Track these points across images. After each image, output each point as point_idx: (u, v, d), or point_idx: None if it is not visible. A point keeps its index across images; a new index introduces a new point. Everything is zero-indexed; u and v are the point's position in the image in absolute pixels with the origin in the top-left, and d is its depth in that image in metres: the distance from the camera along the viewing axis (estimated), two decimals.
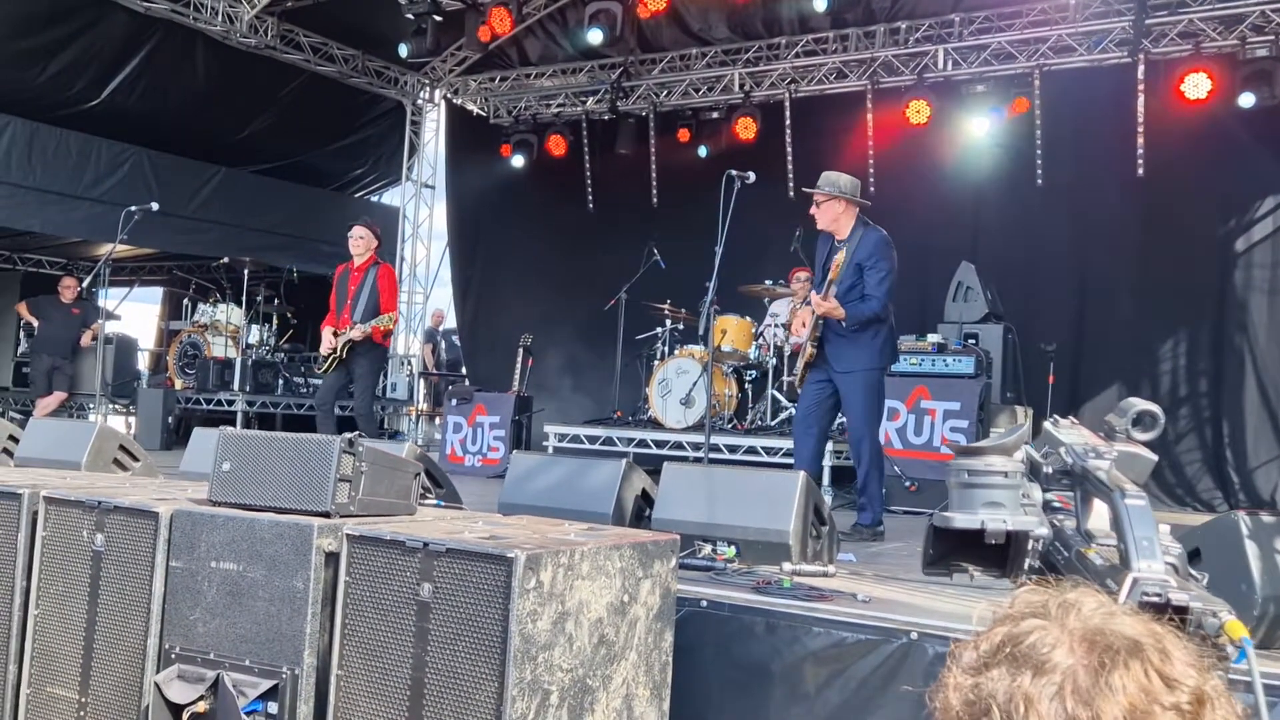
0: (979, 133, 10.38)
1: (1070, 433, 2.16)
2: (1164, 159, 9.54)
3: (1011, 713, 1.02)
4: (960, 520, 2.18)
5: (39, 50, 10.24)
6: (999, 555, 2.19)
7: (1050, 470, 2.22)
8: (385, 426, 13.58)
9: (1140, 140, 9.63)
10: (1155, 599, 1.59)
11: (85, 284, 11.07)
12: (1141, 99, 9.63)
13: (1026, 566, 2.09)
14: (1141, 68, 9.62)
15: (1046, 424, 2.24)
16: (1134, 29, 9.51)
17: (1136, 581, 1.63)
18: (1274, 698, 2.81)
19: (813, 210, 6.29)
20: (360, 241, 8.18)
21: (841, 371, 5.97)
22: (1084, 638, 1.04)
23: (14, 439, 5.27)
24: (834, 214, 6.19)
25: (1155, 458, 2.08)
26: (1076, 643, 1.04)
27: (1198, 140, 9.36)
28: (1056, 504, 2.19)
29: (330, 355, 8.02)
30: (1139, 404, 2.11)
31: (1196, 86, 9.12)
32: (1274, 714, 2.82)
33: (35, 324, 11.72)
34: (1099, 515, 2.00)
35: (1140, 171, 9.65)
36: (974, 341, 8.31)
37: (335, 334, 8.02)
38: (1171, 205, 9.58)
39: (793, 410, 8.83)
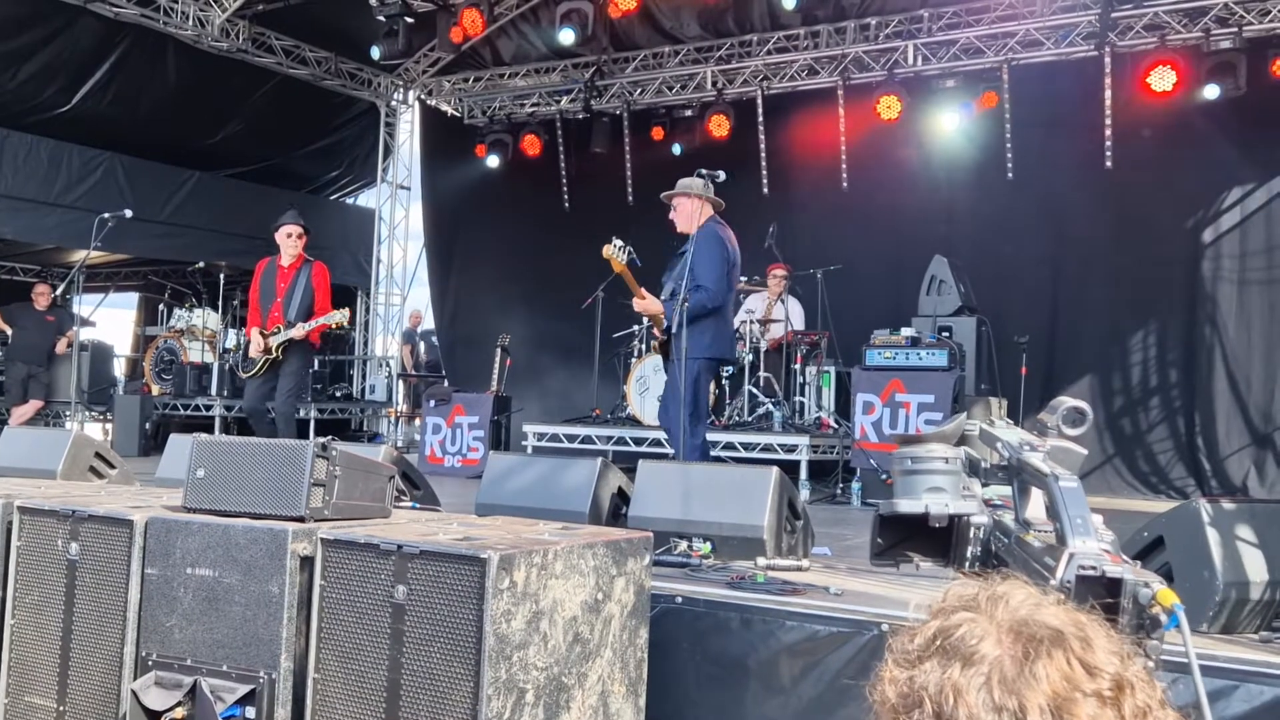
0: (949, 127, 10.46)
1: (1007, 431, 2.22)
2: (1131, 151, 9.64)
3: (942, 704, 1.05)
4: (905, 505, 2.24)
5: (8, 56, 10.18)
6: (943, 544, 2.25)
7: (988, 465, 2.28)
8: (365, 429, 13.56)
9: (1108, 133, 9.72)
10: (1091, 572, 1.65)
11: (59, 291, 11.02)
12: (1108, 92, 9.73)
13: (969, 554, 2.15)
14: (1108, 61, 9.71)
15: (983, 425, 2.30)
16: (1100, 22, 9.61)
17: (1073, 556, 1.69)
18: (1217, 679, 2.87)
19: (670, 215, 6.45)
20: (299, 240, 7.81)
21: (673, 359, 6.12)
22: (1011, 629, 1.08)
23: None
24: (687, 212, 6.31)
25: (1085, 451, 2.14)
26: (1004, 634, 1.07)
27: (1164, 132, 9.47)
28: (997, 502, 2.25)
29: (263, 357, 7.60)
30: (1068, 401, 2.17)
31: (1162, 79, 9.23)
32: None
33: (8, 332, 11.65)
34: (1035, 505, 2.06)
35: (1109, 164, 9.75)
36: (948, 334, 8.38)
37: (264, 334, 7.59)
38: (1140, 197, 9.68)
39: (771, 405, 8.90)
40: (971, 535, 2.12)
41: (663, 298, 6.37)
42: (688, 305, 5.97)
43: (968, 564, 2.14)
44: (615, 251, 6.42)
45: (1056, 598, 1.13)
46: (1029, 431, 2.19)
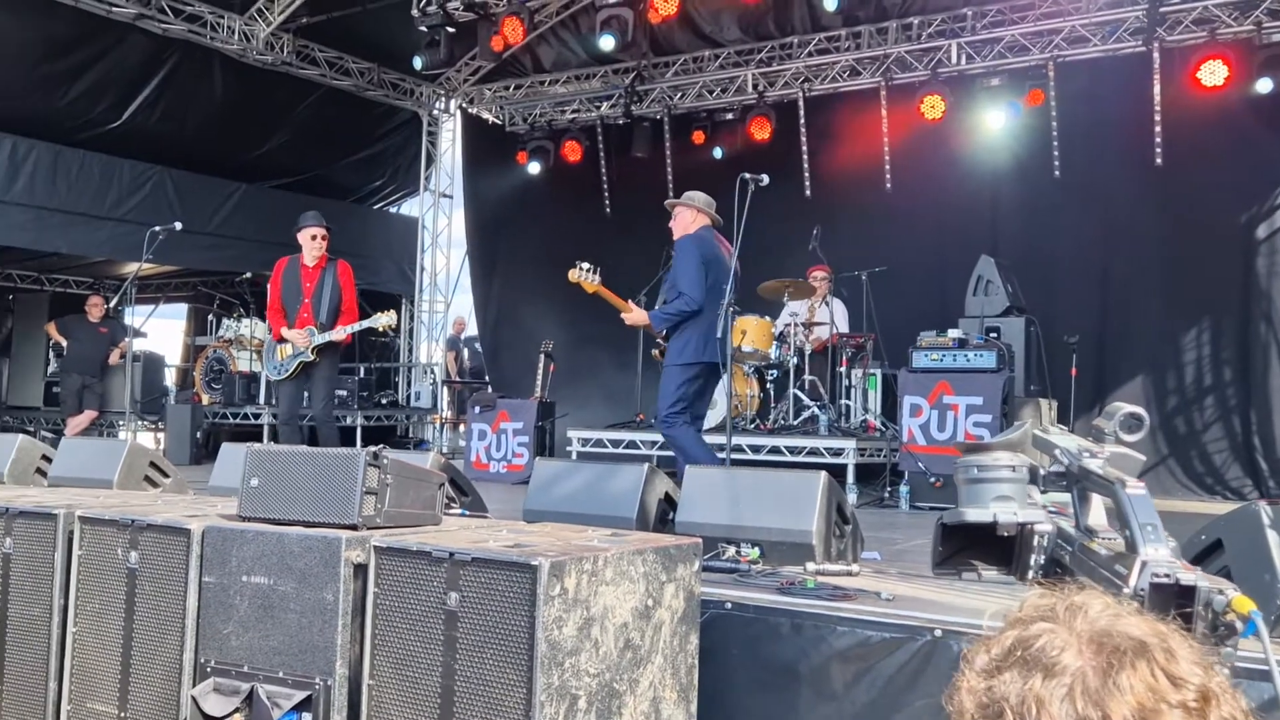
0: (994, 126, 10.37)
1: (1062, 437, 2.19)
2: (1182, 147, 9.50)
3: (1024, 714, 1.05)
4: (972, 515, 2.20)
5: (61, 75, 10.38)
6: (1006, 553, 2.21)
7: (1044, 471, 2.25)
8: (410, 435, 13.66)
9: (1157, 129, 9.59)
10: (1164, 579, 1.62)
11: (113, 303, 11.21)
12: (1157, 87, 9.60)
13: (1033, 563, 2.12)
14: (1156, 56, 9.58)
15: (1036, 431, 2.27)
16: (1148, 17, 9.49)
17: (1145, 564, 1.67)
18: None
19: (670, 224, 6.82)
20: (324, 241, 7.66)
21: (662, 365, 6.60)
22: (1092, 639, 1.07)
23: (47, 459, 5.36)
24: (684, 222, 6.71)
25: (1143, 458, 2.11)
26: (1085, 645, 1.07)
27: (1216, 127, 9.33)
28: (1052, 509, 2.22)
29: (296, 360, 7.49)
30: (1125, 407, 2.14)
31: (1213, 73, 9.10)
32: None
33: (64, 344, 11.86)
34: (1096, 512, 2.03)
35: (1159, 160, 9.61)
36: (995, 335, 8.29)
37: (300, 334, 7.47)
38: (1191, 193, 9.54)
39: (816, 408, 8.85)
40: (1035, 544, 2.09)
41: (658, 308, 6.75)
42: (668, 310, 6.47)
43: (1030, 573, 2.11)
44: (583, 275, 6.78)
45: (1134, 608, 1.12)
46: (1084, 437, 2.16)
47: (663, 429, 6.59)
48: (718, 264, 6.45)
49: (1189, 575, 1.60)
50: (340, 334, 7.55)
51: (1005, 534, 2.15)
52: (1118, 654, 1.05)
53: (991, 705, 1.08)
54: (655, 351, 6.85)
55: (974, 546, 2.30)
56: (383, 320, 7.65)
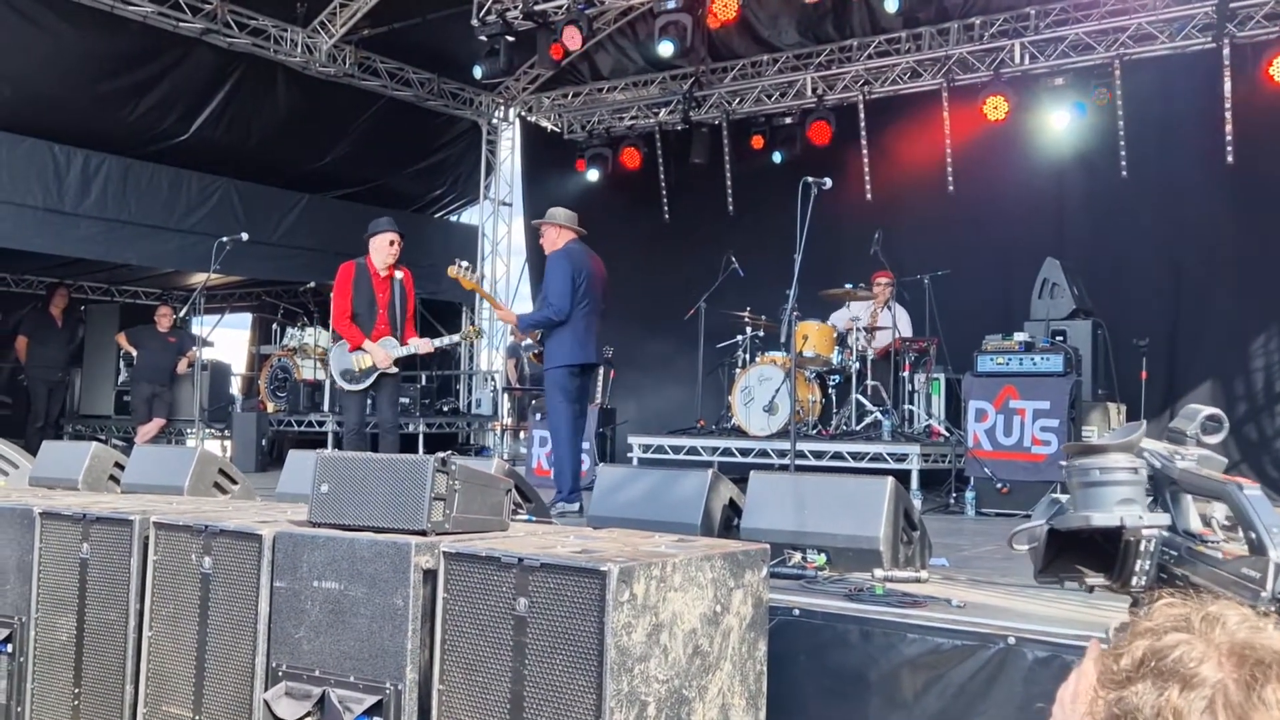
0: (1059, 126, 10.22)
1: (1150, 441, 2.13)
2: (1254, 145, 9.29)
3: None
4: (1098, 518, 2.11)
5: (130, 90, 10.60)
6: (1108, 560, 2.14)
7: None
8: (471, 442, 13.75)
9: (1228, 127, 9.38)
10: None
11: (181, 313, 11.41)
12: (1228, 84, 9.40)
13: (1139, 569, 2.04)
14: (1227, 52, 9.38)
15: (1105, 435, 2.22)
16: (1217, 13, 9.29)
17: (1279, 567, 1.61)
18: None
19: (540, 241, 7.55)
20: (399, 248, 7.64)
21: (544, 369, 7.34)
22: (1232, 651, 1.03)
23: (120, 466, 5.47)
24: (550, 239, 7.44)
25: (1225, 460, 2.05)
26: (1224, 657, 1.03)
27: None
28: None
29: (376, 372, 7.51)
30: (1204, 409, 2.07)
31: None
32: None
33: (134, 353, 12.09)
34: (1190, 515, 1.97)
35: (1230, 159, 9.40)
36: (1062, 339, 8.15)
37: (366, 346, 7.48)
38: (1264, 193, 9.32)
39: (879, 414, 8.76)
40: (1143, 549, 2.02)
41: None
42: (534, 317, 7.34)
43: (1136, 580, 2.04)
44: (461, 272, 7.35)
45: (1275, 620, 1.08)
46: (1164, 440, 2.10)
47: (570, 428, 7.18)
48: (587, 273, 7.24)
49: None
50: (427, 346, 7.69)
51: (1132, 539, 2.07)
52: (1261, 667, 1.02)
53: (1123, 717, 1.05)
54: (532, 354, 7.49)
55: (1072, 553, 2.23)
56: (457, 337, 8.31)
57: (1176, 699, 1.02)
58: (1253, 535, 1.74)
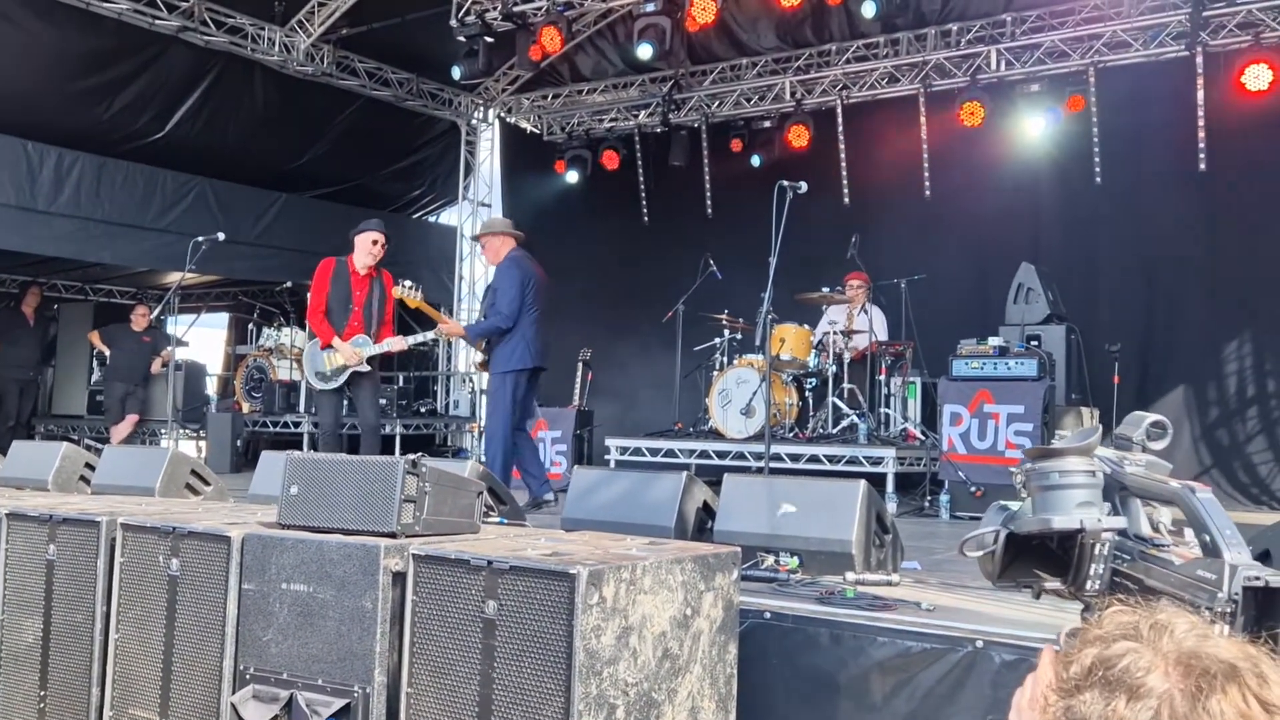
0: (1035, 133, 10.29)
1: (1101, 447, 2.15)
2: (1227, 153, 9.37)
3: None
4: (1059, 521, 2.11)
5: (104, 87, 10.52)
6: (1062, 564, 2.16)
7: None
8: (449, 444, 13.71)
9: (1201, 135, 9.46)
10: (1256, 583, 1.59)
11: (155, 312, 11.34)
12: (1201, 93, 9.47)
13: (1092, 573, 2.06)
14: (1200, 60, 9.45)
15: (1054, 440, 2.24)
16: (1191, 21, 9.36)
17: (1235, 569, 1.63)
18: None
19: (481, 253, 7.80)
20: (383, 249, 7.61)
21: (490, 373, 7.48)
22: (1179, 661, 1.03)
23: (90, 466, 5.43)
24: (495, 248, 7.58)
25: (1170, 465, 2.07)
26: (1171, 666, 1.03)
27: (1261, 132, 9.18)
28: None
29: (347, 371, 7.45)
30: (1149, 416, 2.10)
31: (1257, 78, 8.97)
32: None
33: (107, 353, 12.01)
34: (1141, 520, 1.99)
35: (1202, 166, 9.48)
36: (1036, 343, 8.21)
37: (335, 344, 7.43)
38: (1236, 200, 9.41)
39: (855, 417, 8.80)
40: (1096, 553, 2.04)
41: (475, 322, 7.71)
42: (482, 326, 7.48)
43: (1090, 584, 2.05)
44: (405, 292, 7.57)
45: (1221, 628, 1.09)
46: (1110, 447, 2.12)
47: (512, 431, 7.27)
48: (534, 280, 7.44)
49: (1277, 577, 1.57)
50: (401, 344, 7.61)
51: (1093, 541, 2.08)
52: (1207, 677, 1.01)
53: None
54: (478, 363, 7.66)
55: (1026, 557, 2.25)
56: (432, 334, 8.07)
57: (1123, 709, 1.02)
58: (1206, 538, 1.76)
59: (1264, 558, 3.39)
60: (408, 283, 7.58)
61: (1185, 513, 1.85)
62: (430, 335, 7.94)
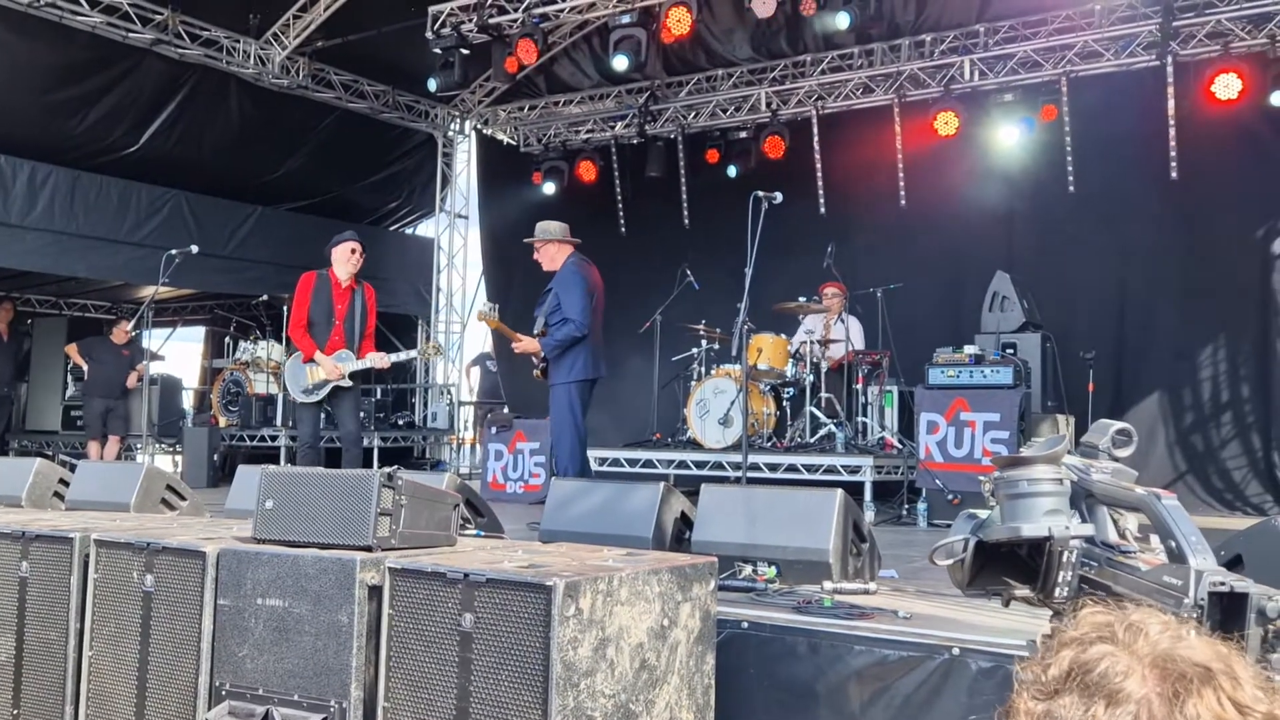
0: (1008, 142, 10.36)
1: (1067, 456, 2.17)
2: (1197, 161, 9.48)
3: None
4: (1027, 529, 2.13)
5: (78, 100, 10.47)
6: (1031, 571, 2.17)
7: None
8: (427, 456, 13.67)
9: (1172, 143, 9.57)
10: (1221, 588, 1.61)
11: (128, 326, 11.25)
12: (1172, 102, 9.58)
13: (1061, 580, 2.07)
14: (1170, 70, 9.56)
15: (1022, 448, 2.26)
16: (1161, 31, 9.46)
17: (1201, 574, 1.65)
18: None
19: (535, 256, 7.26)
20: (361, 259, 7.57)
21: (550, 384, 7.07)
22: (1154, 664, 1.05)
23: (64, 482, 5.38)
24: (550, 254, 7.20)
25: (1136, 473, 2.10)
26: (1148, 670, 1.05)
27: (1231, 141, 9.30)
28: None
29: (333, 383, 7.40)
30: (1115, 424, 2.12)
31: (1227, 87, 9.08)
32: None
33: (84, 366, 11.90)
34: (1107, 527, 2.01)
35: (1174, 174, 9.59)
36: (1012, 351, 8.27)
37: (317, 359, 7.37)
38: (1207, 208, 9.51)
39: (833, 426, 8.82)
40: (1064, 560, 2.05)
41: (535, 331, 7.10)
42: (558, 337, 6.93)
43: (1059, 591, 2.07)
44: (489, 312, 7.41)
45: (1192, 627, 1.10)
46: (1076, 455, 2.15)
47: (575, 445, 6.95)
48: (595, 286, 7.11)
49: (1242, 583, 1.60)
50: (383, 361, 7.51)
51: (1061, 549, 2.09)
52: (1183, 681, 1.04)
53: None
54: (536, 372, 7.22)
55: (995, 565, 2.26)
56: (414, 352, 8.22)
57: (1102, 715, 1.04)
58: (1172, 544, 1.78)
59: (1236, 563, 3.43)
60: (487, 304, 7.48)
61: (1151, 519, 1.87)
62: (413, 354, 7.89)
